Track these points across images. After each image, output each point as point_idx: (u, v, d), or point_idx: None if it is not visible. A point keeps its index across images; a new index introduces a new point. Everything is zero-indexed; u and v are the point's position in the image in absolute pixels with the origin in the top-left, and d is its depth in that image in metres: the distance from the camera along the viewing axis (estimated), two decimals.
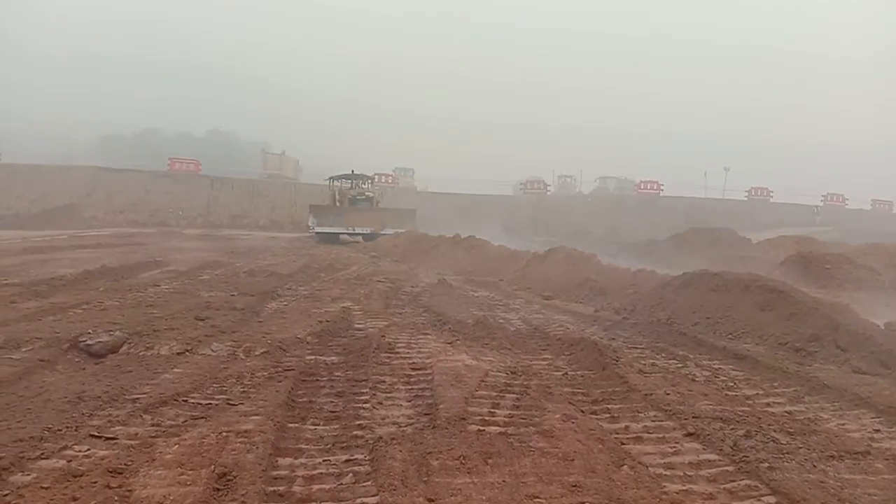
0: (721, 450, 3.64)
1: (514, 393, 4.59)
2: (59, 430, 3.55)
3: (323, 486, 3.03)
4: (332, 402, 4.33)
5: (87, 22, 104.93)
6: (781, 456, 3.57)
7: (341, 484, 3.04)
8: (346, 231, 25.20)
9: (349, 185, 29.55)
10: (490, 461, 3.30)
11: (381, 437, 3.61)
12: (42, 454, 3.18)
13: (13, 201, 32.94)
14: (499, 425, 3.88)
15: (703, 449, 3.67)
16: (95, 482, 2.88)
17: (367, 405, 4.24)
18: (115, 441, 3.42)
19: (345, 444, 3.54)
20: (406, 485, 2.99)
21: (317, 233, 25.53)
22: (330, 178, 30.41)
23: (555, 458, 3.38)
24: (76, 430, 3.56)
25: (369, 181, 31.35)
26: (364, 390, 4.58)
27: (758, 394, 4.95)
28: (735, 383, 5.23)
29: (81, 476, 2.94)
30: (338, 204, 28.65)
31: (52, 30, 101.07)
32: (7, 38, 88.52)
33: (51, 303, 7.58)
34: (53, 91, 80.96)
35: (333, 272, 13.54)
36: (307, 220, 27.23)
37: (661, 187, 48.21)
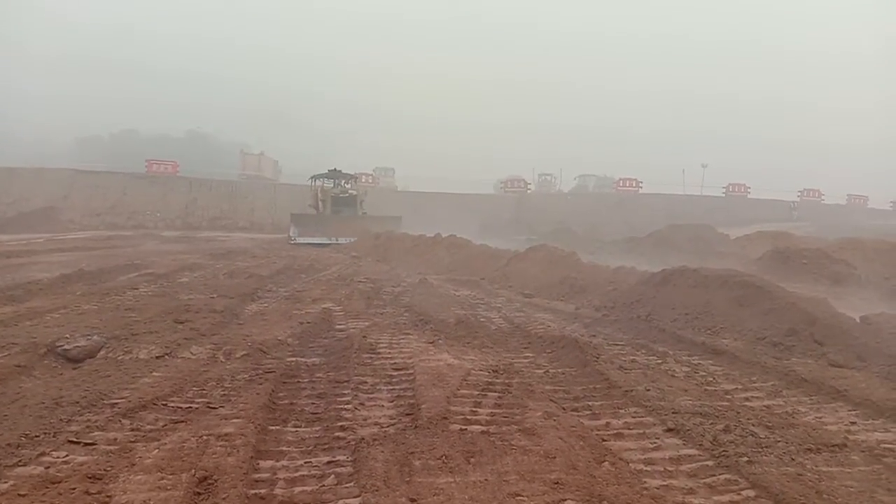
0: (701, 445, 3.67)
1: (495, 391, 4.59)
2: (36, 436, 3.51)
3: (305, 488, 3.02)
4: (313, 403, 4.31)
5: (63, 23, 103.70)
6: (760, 450, 3.62)
7: (323, 486, 3.03)
8: (328, 241, 24.14)
9: (331, 184, 29.03)
10: (472, 460, 3.30)
11: (364, 438, 3.60)
12: (19, 461, 3.14)
13: None
14: (481, 424, 3.89)
15: (683, 444, 3.71)
16: (74, 488, 2.85)
17: (349, 406, 4.23)
18: (94, 446, 3.38)
19: (327, 446, 3.53)
20: (388, 485, 2.99)
21: (298, 243, 24.17)
22: (312, 178, 30.03)
23: (536, 455, 3.39)
24: (54, 436, 3.52)
25: (352, 179, 30.77)
26: (346, 391, 4.57)
27: (737, 388, 5.00)
28: (714, 378, 5.29)
29: (60, 482, 2.90)
30: (320, 203, 28.19)
31: (27, 32, 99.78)
32: None
33: (27, 307, 7.47)
34: (29, 93, 79.74)
35: (314, 273, 13.49)
36: (288, 230, 26.15)
37: (640, 185, 48.57)
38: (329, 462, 3.30)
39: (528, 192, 50.73)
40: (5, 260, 13.46)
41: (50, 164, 39.25)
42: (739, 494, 3.06)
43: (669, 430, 3.93)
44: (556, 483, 3.06)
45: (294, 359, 5.57)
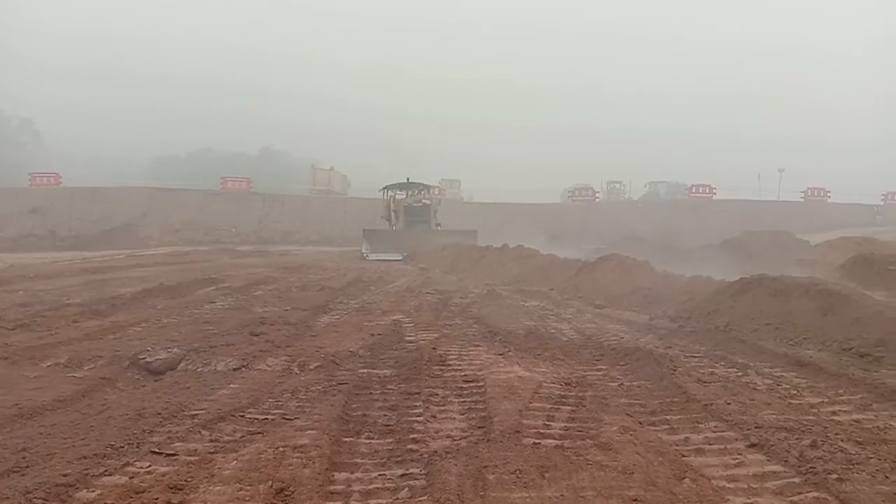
0: (786, 461, 3.51)
1: (568, 405, 4.52)
2: (121, 446, 3.64)
3: (379, 500, 3.02)
4: (385, 415, 4.33)
5: (137, 40, 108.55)
6: (851, 467, 3.42)
7: (397, 499, 3.03)
8: (401, 257, 23.22)
9: (404, 195, 28.37)
10: (547, 475, 3.25)
11: (436, 451, 3.59)
12: (105, 471, 3.26)
13: (73, 223, 34.34)
14: (554, 438, 3.82)
15: (768, 460, 3.54)
16: (157, 498, 2.93)
17: (421, 418, 4.23)
18: (175, 457, 3.48)
19: (400, 458, 3.53)
20: (462, 499, 2.97)
21: (371, 260, 23.25)
22: (384, 189, 29.40)
23: (613, 471, 3.31)
24: (137, 447, 3.64)
25: (426, 189, 29.72)
26: (417, 403, 4.58)
27: (823, 402, 4.76)
28: (798, 391, 5.05)
29: (143, 492, 3.00)
30: (392, 214, 27.56)
31: (104, 48, 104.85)
32: (60, 59, 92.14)
33: (111, 321, 7.82)
34: (107, 111, 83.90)
35: (383, 285, 13.64)
36: (361, 247, 25.52)
37: (714, 191, 47.31)
38: (402, 475, 3.31)
39: (597, 200, 50.13)
40: (90, 276, 14.14)
41: (130, 183, 41.24)
42: None
43: (752, 445, 3.77)
44: (635, 500, 2.97)
45: (366, 370, 5.62)
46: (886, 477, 3.30)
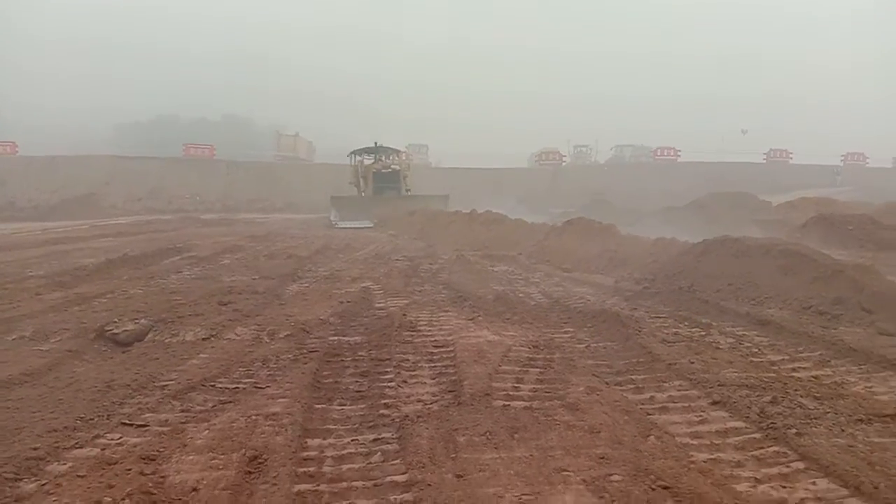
0: (748, 417, 3.63)
1: (537, 367, 4.60)
2: (91, 419, 3.62)
3: (353, 465, 3.06)
4: (357, 382, 4.37)
5: (96, 9, 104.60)
6: (809, 421, 3.55)
7: (370, 463, 3.08)
8: (372, 224, 22.34)
9: (373, 160, 27.69)
10: (516, 436, 3.32)
11: (408, 416, 3.64)
12: (76, 443, 3.24)
13: (32, 193, 33.41)
14: (523, 400, 3.90)
15: (730, 417, 3.66)
16: (129, 469, 2.94)
17: (392, 384, 4.27)
18: (147, 428, 3.48)
19: (372, 424, 3.57)
20: (434, 462, 3.02)
21: (340, 228, 22.38)
22: (351, 153, 28.71)
23: (581, 430, 3.39)
24: (108, 419, 3.63)
25: (395, 154, 29.07)
26: (388, 369, 4.62)
27: (783, 359, 4.92)
28: (760, 349, 5.20)
29: (115, 464, 2.99)
30: (361, 180, 27.19)
31: (61, 17, 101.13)
32: (16, 26, 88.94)
33: (75, 293, 7.69)
34: (66, 79, 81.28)
35: (352, 252, 13.60)
36: (329, 214, 24.91)
37: (678, 153, 47.76)
38: (375, 440, 3.35)
39: (564, 164, 50.27)
40: (52, 246, 13.82)
41: (90, 151, 40.17)
42: (789, 467, 3.01)
43: (715, 402, 3.89)
44: (602, 458, 3.06)
45: (336, 338, 5.64)
46: (842, 430, 3.44)
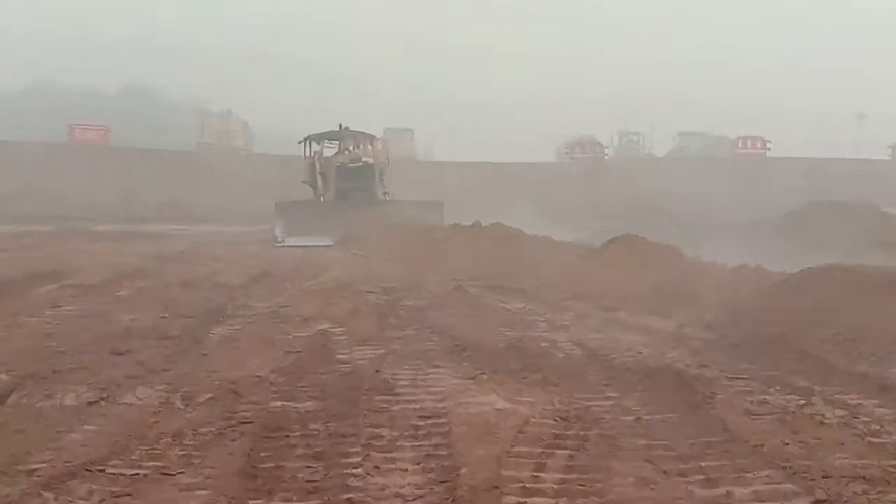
0: None
1: (566, 448, 4.58)
2: None
3: None
4: (308, 467, 4.33)
5: None
6: None
7: None
8: (332, 242, 22.28)
9: (335, 150, 27.66)
10: None
11: None
12: None
13: None
14: (547, 496, 3.87)
15: None
16: None
17: (359, 471, 4.24)
18: None
19: None
20: None
21: (287, 246, 22.19)
22: (305, 140, 28.55)
23: None
24: None
25: (367, 141, 28.54)
26: (354, 450, 4.58)
27: None
28: (882, 426, 5.18)
29: None
30: (319, 178, 26.79)
31: None
32: None
33: None
34: None
35: (304, 280, 13.59)
36: (273, 227, 24.42)
37: (768, 145, 47.98)
38: None
39: (605, 158, 50.52)
40: None
41: None
42: None
43: (820, 501, 3.87)
44: None
45: (280, 403, 5.61)
46: None
